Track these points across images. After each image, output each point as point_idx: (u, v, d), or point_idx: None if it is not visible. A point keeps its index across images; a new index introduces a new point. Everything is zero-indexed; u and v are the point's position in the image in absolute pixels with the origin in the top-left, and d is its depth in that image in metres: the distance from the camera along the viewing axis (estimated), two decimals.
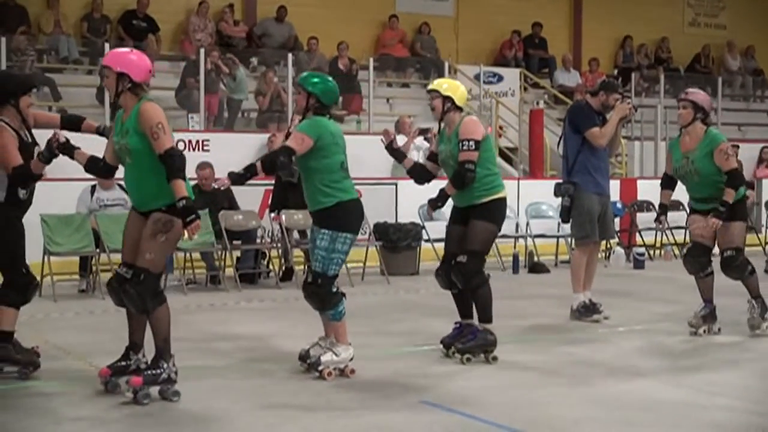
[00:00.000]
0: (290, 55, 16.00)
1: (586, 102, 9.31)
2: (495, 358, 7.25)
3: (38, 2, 16.84)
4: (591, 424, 5.69)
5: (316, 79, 6.80)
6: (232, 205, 12.13)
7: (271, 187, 12.43)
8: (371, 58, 17.10)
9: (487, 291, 7.32)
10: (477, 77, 17.99)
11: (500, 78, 19.12)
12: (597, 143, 8.99)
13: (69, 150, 6.35)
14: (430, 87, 7.52)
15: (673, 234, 15.11)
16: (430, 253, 12.97)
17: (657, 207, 8.90)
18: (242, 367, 7.22)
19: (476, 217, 7.29)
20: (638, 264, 13.77)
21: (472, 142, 7.15)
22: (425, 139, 15.03)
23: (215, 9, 17.88)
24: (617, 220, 13.38)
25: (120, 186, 11.55)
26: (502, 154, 17.66)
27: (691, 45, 22.99)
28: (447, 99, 7.31)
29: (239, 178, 6.52)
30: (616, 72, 20.70)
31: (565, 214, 9.16)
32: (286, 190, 11.92)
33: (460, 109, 7.35)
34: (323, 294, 6.69)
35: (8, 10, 16.18)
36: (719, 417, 5.93)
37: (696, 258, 8.43)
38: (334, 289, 6.71)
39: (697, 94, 8.41)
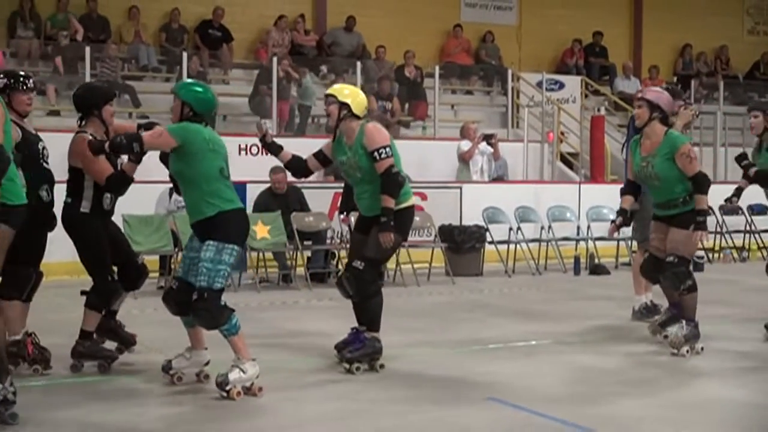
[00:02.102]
0: (358, 63, 16.09)
1: None
2: (382, 366, 6.81)
3: (120, 13, 17.08)
4: (654, 423, 5.62)
5: (190, 88, 6.35)
6: (304, 208, 12.20)
7: (340, 191, 12.46)
8: (436, 66, 17.11)
9: (378, 301, 6.84)
10: (539, 84, 17.90)
11: (562, 85, 19.02)
12: None
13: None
14: (328, 91, 6.95)
15: (732, 237, 14.92)
16: (494, 255, 12.94)
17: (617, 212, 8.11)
18: (313, 362, 7.25)
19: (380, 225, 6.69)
20: (697, 267, 13.52)
21: (387, 148, 6.61)
22: (488, 143, 15.04)
23: (288, 19, 17.97)
24: None
25: None
26: (563, 159, 17.60)
27: (750, 53, 22.61)
28: (344, 106, 6.72)
29: (97, 144, 6.27)
30: (675, 79, 20.42)
31: (626, 218, 8.78)
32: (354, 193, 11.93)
33: (357, 117, 6.75)
34: (212, 310, 6.03)
35: (92, 21, 16.46)
36: None
37: (650, 273, 7.80)
38: (224, 303, 6.08)
39: (653, 92, 7.80)
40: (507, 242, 13.06)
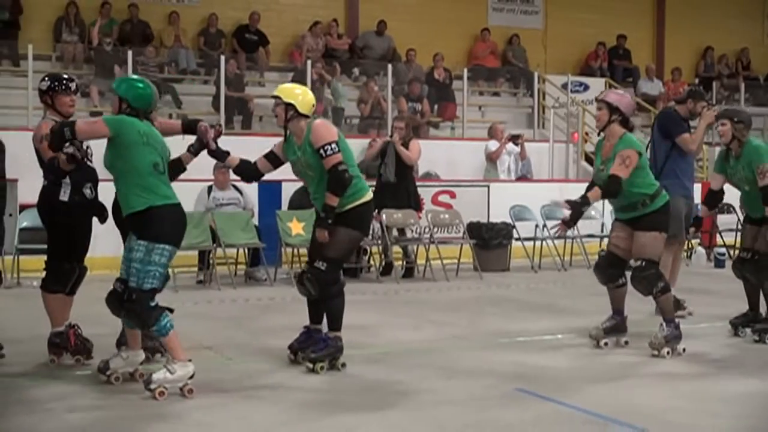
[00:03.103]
0: (389, 66, 16.08)
1: (674, 109, 9.15)
2: (344, 365, 6.60)
3: (160, 19, 17.17)
4: (677, 414, 5.60)
5: (126, 84, 6.04)
6: None
7: (372, 188, 12.45)
8: (465, 69, 17.08)
9: (340, 301, 6.58)
10: (564, 86, 17.86)
11: (586, 87, 18.99)
12: (688, 148, 8.85)
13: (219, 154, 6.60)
14: (273, 93, 6.69)
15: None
16: (520, 251, 12.93)
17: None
18: (347, 353, 7.26)
19: (341, 223, 6.47)
20: (719, 263, 13.50)
21: (333, 145, 6.33)
22: (515, 144, 15.02)
23: (322, 24, 18.00)
24: None
25: (234, 186, 11.75)
26: (588, 159, 17.50)
27: None
28: (289, 106, 6.46)
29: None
30: (697, 81, 20.31)
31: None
32: (386, 191, 11.98)
33: (305, 116, 6.49)
34: (140, 311, 5.81)
35: (133, 26, 16.57)
36: None
37: (603, 269, 7.51)
38: (153, 304, 5.82)
39: (613, 95, 7.42)
40: (533, 239, 13.03)
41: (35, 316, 7.01)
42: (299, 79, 15.58)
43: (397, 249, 12.44)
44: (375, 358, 7.05)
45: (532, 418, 5.48)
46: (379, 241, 12.25)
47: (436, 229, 12.42)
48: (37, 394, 5.93)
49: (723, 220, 14.78)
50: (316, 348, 6.59)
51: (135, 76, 6.42)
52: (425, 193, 12.95)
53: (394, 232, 12.33)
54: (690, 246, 13.75)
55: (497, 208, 13.49)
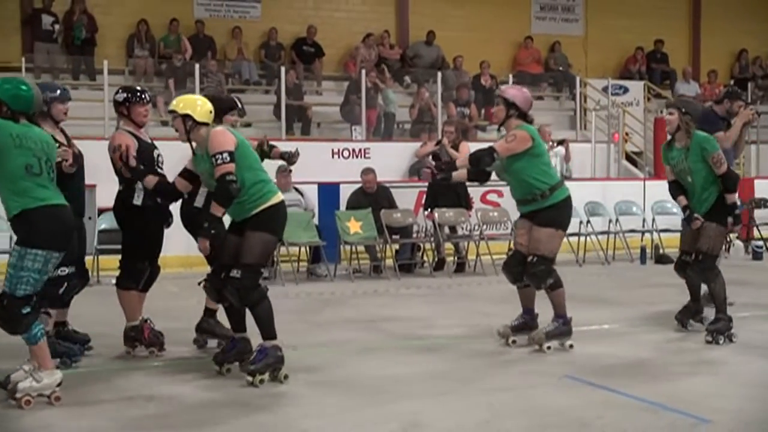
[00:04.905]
0: (439, 74, 16.03)
1: (711, 109, 9.00)
2: (286, 377, 5.96)
3: (224, 33, 17.30)
4: (719, 399, 5.49)
5: (6, 86, 5.46)
6: (392, 205, 12.21)
7: (425, 189, 12.45)
8: (510, 75, 17.03)
9: (266, 306, 5.97)
10: (605, 89, 17.68)
11: (626, 90, 18.80)
12: (721, 146, 8.67)
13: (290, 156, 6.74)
14: (168, 108, 6.22)
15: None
16: (565, 246, 12.58)
17: None
18: (405, 343, 7.27)
19: (251, 228, 5.94)
20: (756, 255, 13.29)
21: (225, 154, 5.77)
22: (560, 145, 14.98)
23: (374, 36, 18.02)
24: None
25: (296, 188, 11.81)
26: (629, 158, 17.36)
27: None
28: (186, 117, 5.94)
29: None
30: (732, 82, 19.98)
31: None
32: (438, 191, 11.97)
33: (204, 124, 5.96)
34: (10, 317, 5.30)
35: (199, 41, 16.70)
36: None
37: (510, 268, 7.02)
38: (25, 311, 5.29)
39: (510, 90, 6.95)
40: (578, 234, 12.90)
41: (114, 312, 7.09)
42: (354, 87, 15.62)
43: (448, 245, 12.40)
44: (430, 348, 7.03)
45: (583, 404, 5.41)
46: (432, 239, 12.23)
47: (485, 226, 12.35)
48: (118, 383, 5.99)
49: (760, 214, 14.54)
50: (254, 359, 5.94)
51: (17, 78, 5.79)
52: (474, 192, 12.88)
53: (446, 230, 12.31)
54: (729, 239, 13.53)
55: None
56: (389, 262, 11.82)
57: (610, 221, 13.25)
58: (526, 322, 7.10)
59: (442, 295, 10.13)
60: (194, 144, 6.02)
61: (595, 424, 4.98)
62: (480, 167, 6.80)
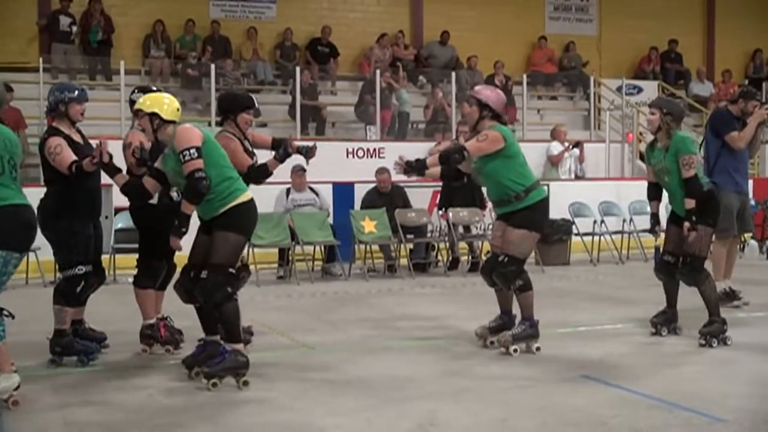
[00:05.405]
0: (453, 74, 16.01)
1: (726, 109, 8.96)
2: (246, 383, 5.71)
3: (240, 34, 17.33)
4: (736, 399, 5.46)
5: None
6: (406, 204, 12.21)
7: (439, 189, 12.44)
8: (524, 75, 16.95)
9: (232, 308, 5.75)
10: (619, 89, 17.61)
11: (640, 89, 18.73)
12: (735, 146, 8.65)
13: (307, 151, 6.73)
14: (135, 107, 6.09)
15: None
16: (580, 245, 12.79)
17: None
18: (420, 341, 7.26)
19: (219, 228, 5.80)
20: None
21: (192, 150, 5.63)
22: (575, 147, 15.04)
23: (388, 36, 18.01)
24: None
25: (311, 188, 11.82)
26: (643, 158, 17.25)
27: None
28: (153, 115, 5.83)
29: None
30: (747, 82, 19.88)
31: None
32: (452, 190, 11.95)
33: (171, 122, 5.85)
34: None
35: (215, 42, 16.72)
36: None
37: (488, 271, 6.85)
38: None
39: (482, 91, 6.81)
40: (592, 234, 12.88)
41: (131, 310, 7.11)
42: (369, 87, 15.62)
43: (463, 245, 12.40)
44: (445, 347, 7.01)
45: (599, 402, 5.39)
46: (446, 238, 12.21)
47: None
48: (134, 381, 6.01)
49: None
50: (212, 362, 5.75)
51: None
52: None
53: (460, 229, 12.29)
54: (743, 239, 13.46)
55: (557, 206, 13.22)
56: (404, 261, 11.81)
57: (624, 221, 13.21)
58: (504, 324, 6.93)
59: (457, 294, 10.12)
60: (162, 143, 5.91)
61: (611, 423, 4.96)
62: (450, 165, 6.67)
